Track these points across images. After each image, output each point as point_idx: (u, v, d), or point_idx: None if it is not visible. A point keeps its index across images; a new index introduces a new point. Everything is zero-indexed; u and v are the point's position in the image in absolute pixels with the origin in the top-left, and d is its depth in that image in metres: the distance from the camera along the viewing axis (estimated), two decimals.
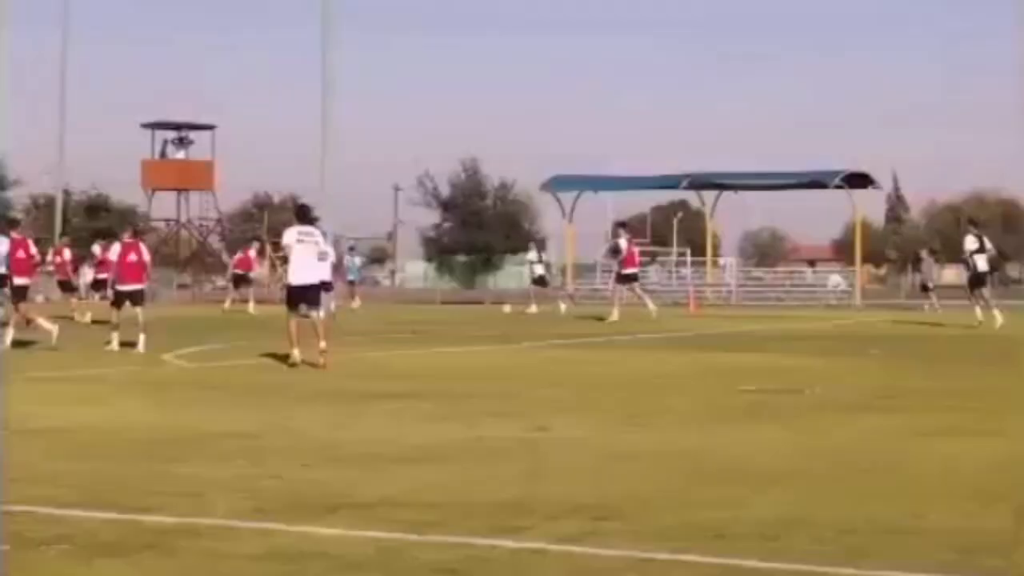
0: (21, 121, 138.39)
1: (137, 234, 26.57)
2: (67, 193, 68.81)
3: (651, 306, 38.18)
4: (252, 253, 47.55)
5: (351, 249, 55.05)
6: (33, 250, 26.19)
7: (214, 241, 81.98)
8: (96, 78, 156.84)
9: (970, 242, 33.90)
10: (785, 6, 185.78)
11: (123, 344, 23.80)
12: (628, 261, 38.81)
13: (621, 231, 40.26)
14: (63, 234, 40.61)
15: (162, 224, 79.09)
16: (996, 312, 32.78)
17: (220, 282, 74.24)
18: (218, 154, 76.11)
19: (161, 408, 14.80)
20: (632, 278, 39.03)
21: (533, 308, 44.71)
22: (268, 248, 54.17)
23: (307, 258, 21.34)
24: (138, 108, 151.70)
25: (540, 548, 7.49)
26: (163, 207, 77.74)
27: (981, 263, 33.61)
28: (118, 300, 25.13)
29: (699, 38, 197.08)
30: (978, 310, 33.06)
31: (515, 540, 7.67)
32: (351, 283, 51.17)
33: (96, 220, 68.93)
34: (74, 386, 17.53)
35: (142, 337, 23.91)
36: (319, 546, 7.56)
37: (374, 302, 54.80)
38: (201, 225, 79.01)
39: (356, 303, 48.54)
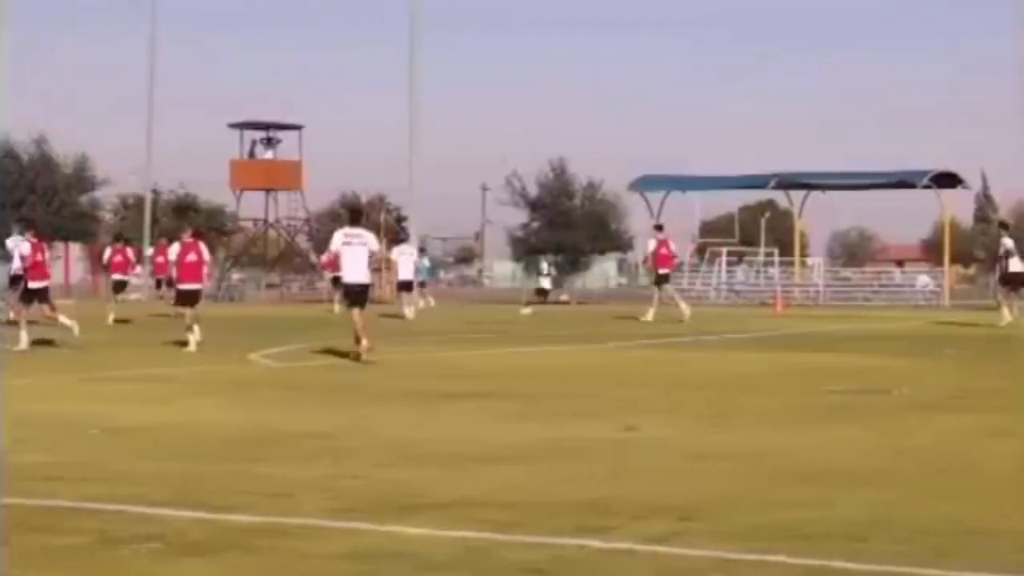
0: (109, 121, 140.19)
1: (197, 234, 26.40)
2: (156, 193, 69.38)
3: (650, 313, 36.43)
4: None
5: (421, 251, 54.98)
6: (48, 255, 26.11)
7: (302, 241, 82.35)
8: (184, 78, 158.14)
9: (1009, 243, 34.95)
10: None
11: (177, 344, 24.01)
12: (658, 262, 38.05)
13: (655, 232, 39.81)
14: (161, 234, 40.67)
15: (250, 224, 79.56)
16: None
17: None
18: (306, 154, 76.43)
19: (245, 408, 14.93)
20: (663, 279, 38.04)
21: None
22: None
23: (356, 258, 21.99)
24: (225, 108, 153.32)
25: (627, 548, 7.50)
26: (251, 207, 78.16)
27: (1015, 264, 34.54)
28: (181, 300, 25.24)
29: (785, 37, 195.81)
30: (1005, 311, 33.70)
31: (601, 540, 7.67)
32: (422, 284, 51.21)
33: (185, 220, 69.44)
34: (159, 386, 17.70)
35: (196, 329, 24.17)
36: (405, 546, 7.60)
37: (456, 301, 54.78)
38: (289, 225, 79.36)
39: (431, 302, 48.62)
